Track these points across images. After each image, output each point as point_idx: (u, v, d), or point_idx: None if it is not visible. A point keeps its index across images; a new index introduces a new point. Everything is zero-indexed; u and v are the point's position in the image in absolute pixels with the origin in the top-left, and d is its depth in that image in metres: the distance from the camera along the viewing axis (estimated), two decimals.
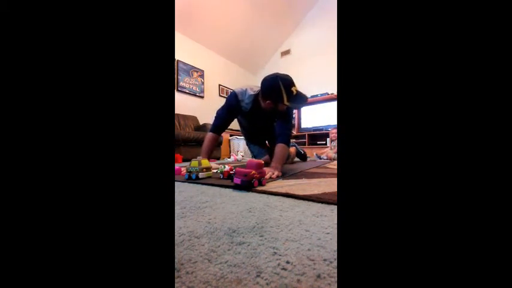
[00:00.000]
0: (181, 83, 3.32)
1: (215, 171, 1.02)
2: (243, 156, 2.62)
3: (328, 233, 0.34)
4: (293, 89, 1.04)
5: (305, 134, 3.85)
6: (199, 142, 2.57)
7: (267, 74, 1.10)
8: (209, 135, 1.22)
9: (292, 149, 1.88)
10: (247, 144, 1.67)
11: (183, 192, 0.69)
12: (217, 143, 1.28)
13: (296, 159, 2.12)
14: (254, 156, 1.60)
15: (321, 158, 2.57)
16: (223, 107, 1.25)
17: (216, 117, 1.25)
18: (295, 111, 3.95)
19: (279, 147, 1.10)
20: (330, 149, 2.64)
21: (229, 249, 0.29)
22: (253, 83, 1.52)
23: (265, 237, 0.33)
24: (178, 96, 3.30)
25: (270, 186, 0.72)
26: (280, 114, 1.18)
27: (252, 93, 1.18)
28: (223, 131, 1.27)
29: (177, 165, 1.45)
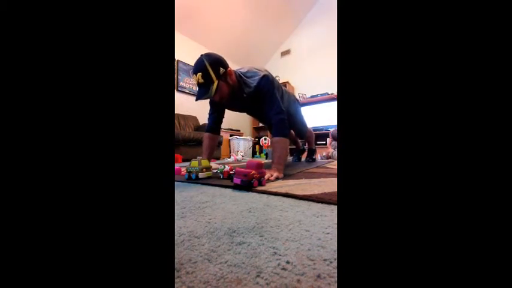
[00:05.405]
0: (181, 83, 3.32)
1: (215, 171, 1.02)
2: (243, 156, 2.62)
3: (328, 233, 0.34)
4: (221, 69, 0.93)
5: None
6: (199, 142, 2.57)
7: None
8: (205, 136, 1.26)
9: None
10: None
11: (183, 192, 0.69)
12: (215, 142, 1.29)
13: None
14: None
15: (321, 158, 2.57)
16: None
17: (208, 118, 1.29)
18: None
19: (275, 144, 1.00)
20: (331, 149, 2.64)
21: (229, 249, 0.29)
22: None
23: (265, 237, 0.33)
24: (178, 96, 3.31)
25: (270, 186, 0.72)
26: (253, 95, 1.06)
27: None
28: (218, 127, 1.29)
29: (177, 165, 1.45)
